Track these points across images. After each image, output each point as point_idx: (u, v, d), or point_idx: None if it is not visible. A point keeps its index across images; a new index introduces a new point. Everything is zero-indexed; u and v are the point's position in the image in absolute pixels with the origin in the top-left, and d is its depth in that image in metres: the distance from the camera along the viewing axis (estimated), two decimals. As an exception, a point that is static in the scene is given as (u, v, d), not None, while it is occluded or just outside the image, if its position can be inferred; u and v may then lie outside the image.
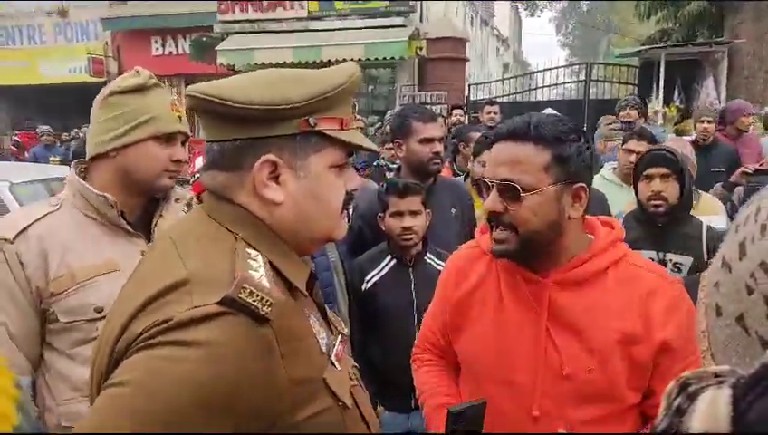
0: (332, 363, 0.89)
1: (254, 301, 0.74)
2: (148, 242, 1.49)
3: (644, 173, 2.34)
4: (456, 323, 1.38)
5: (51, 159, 8.76)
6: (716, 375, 0.49)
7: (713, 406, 0.45)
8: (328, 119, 0.87)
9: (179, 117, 1.51)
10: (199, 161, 2.40)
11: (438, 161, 2.54)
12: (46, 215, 1.42)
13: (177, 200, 1.59)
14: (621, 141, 3.63)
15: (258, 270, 0.78)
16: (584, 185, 1.21)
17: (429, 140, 2.49)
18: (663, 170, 2.28)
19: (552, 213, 1.18)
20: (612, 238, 1.28)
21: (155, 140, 1.46)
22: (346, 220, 0.99)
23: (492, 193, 1.21)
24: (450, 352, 1.44)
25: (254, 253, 0.82)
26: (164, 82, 13.78)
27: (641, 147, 3.30)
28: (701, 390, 0.48)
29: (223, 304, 0.73)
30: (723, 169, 4.49)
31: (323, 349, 0.88)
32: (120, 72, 13.88)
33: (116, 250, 1.43)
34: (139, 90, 1.46)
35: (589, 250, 1.25)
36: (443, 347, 1.47)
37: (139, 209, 1.53)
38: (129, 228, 1.46)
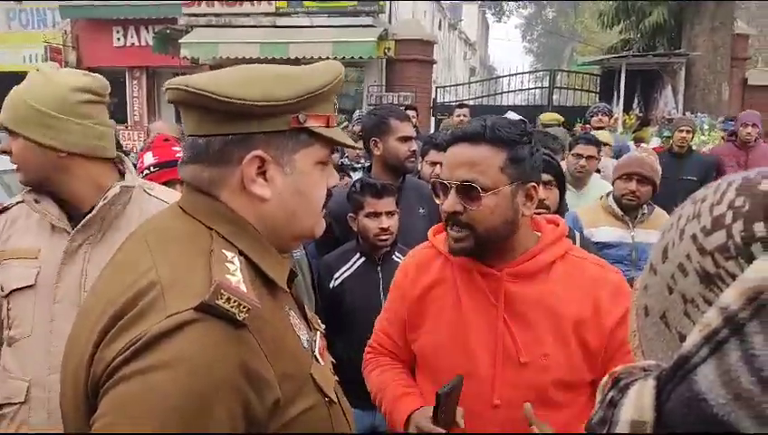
0: (316, 359, 0.90)
1: (232, 307, 0.73)
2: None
3: None
4: (414, 322, 1.41)
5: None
6: (644, 369, 0.54)
7: (639, 397, 0.50)
8: (316, 116, 0.88)
9: None
10: (148, 157, 2.32)
11: (414, 159, 2.64)
12: (13, 206, 1.53)
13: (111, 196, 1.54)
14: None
15: (235, 274, 0.77)
16: (535, 184, 1.28)
17: (407, 139, 2.59)
18: (546, 177, 2.18)
19: (507, 212, 1.25)
20: (558, 234, 1.36)
21: None
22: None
23: (450, 194, 1.25)
24: (407, 351, 1.46)
25: (230, 254, 0.81)
26: (126, 73, 13.50)
27: (589, 151, 3.40)
28: (631, 383, 0.52)
29: (199, 310, 0.72)
30: (695, 178, 4.59)
31: (305, 345, 0.89)
32: (80, 63, 13.47)
33: (47, 241, 1.47)
34: None
35: (538, 245, 1.33)
36: (399, 348, 1.49)
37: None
38: (61, 223, 1.46)
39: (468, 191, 1.22)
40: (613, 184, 2.92)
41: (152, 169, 2.23)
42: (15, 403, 1.41)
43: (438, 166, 3.00)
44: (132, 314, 0.74)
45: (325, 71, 0.91)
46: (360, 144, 2.86)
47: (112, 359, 0.72)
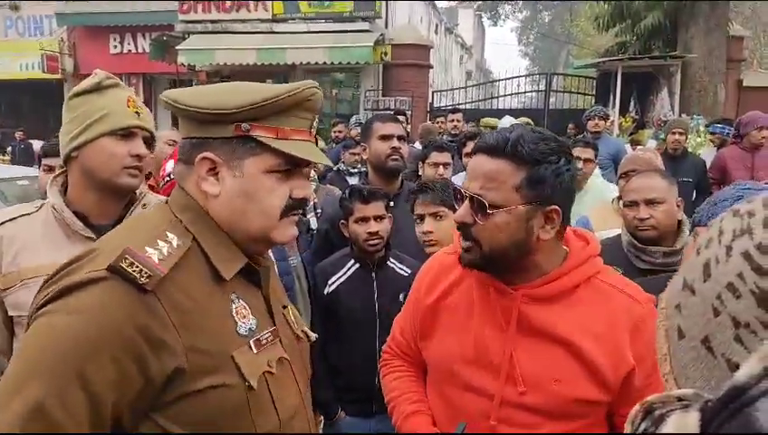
0: (250, 347, 0.96)
1: (134, 271, 0.84)
2: None
3: None
4: (426, 330, 1.38)
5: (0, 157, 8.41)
6: (680, 399, 0.49)
7: (681, 428, 0.45)
8: (263, 127, 0.96)
9: (137, 112, 1.50)
10: (170, 165, 2.38)
11: (397, 157, 2.58)
12: (20, 217, 1.49)
13: (144, 206, 1.56)
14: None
15: (160, 249, 0.89)
16: (558, 208, 1.17)
17: (388, 137, 2.58)
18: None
19: (518, 233, 1.16)
20: (585, 255, 1.26)
21: (111, 137, 1.46)
22: (295, 226, 1.05)
23: (464, 204, 1.20)
24: (420, 356, 1.44)
25: (171, 236, 0.93)
26: (122, 80, 13.34)
27: (587, 154, 3.43)
28: (666, 414, 0.48)
29: (109, 270, 0.85)
30: (691, 180, 4.70)
31: (242, 331, 0.96)
32: (76, 70, 13.47)
33: (69, 253, 1.39)
34: (96, 90, 1.48)
35: (562, 266, 1.23)
36: (414, 351, 1.46)
37: (115, 214, 1.52)
38: (86, 232, 1.45)
39: (478, 205, 1.17)
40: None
41: (172, 175, 2.27)
42: None
43: (441, 167, 3.02)
44: (65, 270, 0.89)
45: (283, 86, 0.98)
46: (359, 149, 2.92)
47: (37, 304, 0.87)
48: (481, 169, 1.19)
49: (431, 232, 2.01)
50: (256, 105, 0.95)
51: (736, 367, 0.45)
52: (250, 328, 0.98)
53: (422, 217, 2.05)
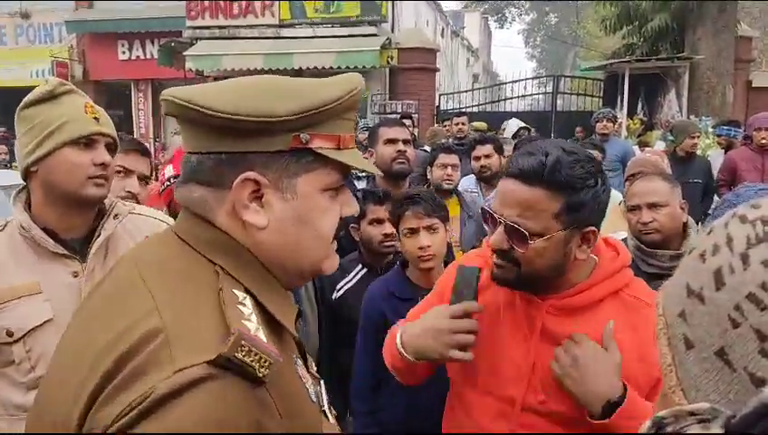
0: (325, 415, 0.83)
1: (252, 361, 0.63)
2: (83, 262, 1.41)
3: None
4: None
5: (14, 165, 8.49)
6: (692, 414, 0.46)
7: None
8: (323, 136, 0.77)
9: (96, 118, 1.41)
10: (169, 170, 2.35)
11: (403, 161, 2.62)
12: None
13: (115, 217, 1.49)
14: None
15: (251, 319, 0.68)
16: (595, 229, 1.16)
17: (393, 141, 2.61)
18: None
19: (557, 256, 1.15)
20: (617, 266, 1.24)
21: (72, 147, 1.36)
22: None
23: (498, 230, 1.16)
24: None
25: (241, 294, 0.71)
26: (131, 86, 13.60)
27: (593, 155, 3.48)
28: (681, 430, 0.45)
29: (215, 364, 0.61)
30: (700, 181, 4.86)
31: (313, 398, 0.81)
32: (86, 77, 13.54)
33: (42, 272, 1.37)
34: (50, 98, 1.38)
35: (591, 277, 1.22)
36: None
37: (84, 227, 1.44)
38: (58, 249, 1.38)
39: (516, 233, 1.12)
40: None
41: (171, 180, 2.27)
42: None
43: (450, 168, 3.04)
44: (132, 367, 0.62)
45: (336, 84, 0.80)
46: (366, 154, 2.94)
47: (112, 423, 0.60)
48: (516, 197, 1.14)
49: (429, 246, 1.89)
50: (318, 109, 0.75)
51: (761, 382, 0.43)
52: (314, 392, 0.82)
53: (414, 231, 1.91)
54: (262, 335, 0.67)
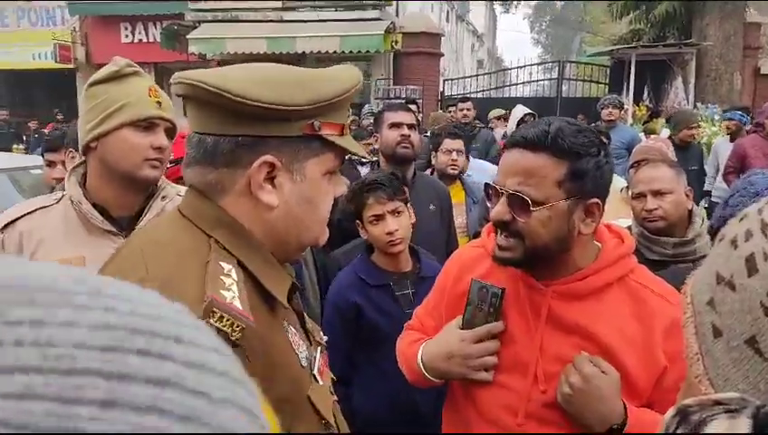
0: (315, 379, 0.87)
1: (224, 326, 0.70)
2: None
3: None
4: (452, 320, 1.35)
5: (14, 147, 8.49)
6: (719, 403, 0.45)
7: None
8: (331, 124, 0.86)
9: (158, 102, 1.45)
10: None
11: (408, 145, 2.59)
12: (37, 209, 1.45)
13: (163, 198, 1.53)
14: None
15: (230, 289, 0.74)
16: (599, 201, 1.15)
17: (398, 125, 2.60)
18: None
19: (561, 228, 1.13)
20: (621, 252, 1.23)
21: (131, 128, 1.41)
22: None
23: (500, 202, 1.16)
24: None
25: (227, 267, 0.77)
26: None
27: None
28: (707, 419, 0.44)
29: None
30: (697, 167, 5.09)
31: (304, 363, 0.86)
32: (88, 60, 13.49)
33: (90, 247, 1.41)
34: (115, 78, 1.43)
35: (595, 262, 1.21)
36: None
37: (134, 206, 1.49)
38: (105, 226, 1.43)
39: (518, 202, 1.12)
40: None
41: (170, 164, 2.26)
42: None
43: (455, 153, 3.02)
44: None
45: (344, 78, 0.88)
46: (372, 140, 2.95)
47: None
48: (519, 165, 1.13)
49: (397, 230, 1.88)
50: (329, 100, 0.84)
51: None
52: (306, 356, 0.88)
53: (380, 217, 1.89)
54: (237, 303, 0.73)
